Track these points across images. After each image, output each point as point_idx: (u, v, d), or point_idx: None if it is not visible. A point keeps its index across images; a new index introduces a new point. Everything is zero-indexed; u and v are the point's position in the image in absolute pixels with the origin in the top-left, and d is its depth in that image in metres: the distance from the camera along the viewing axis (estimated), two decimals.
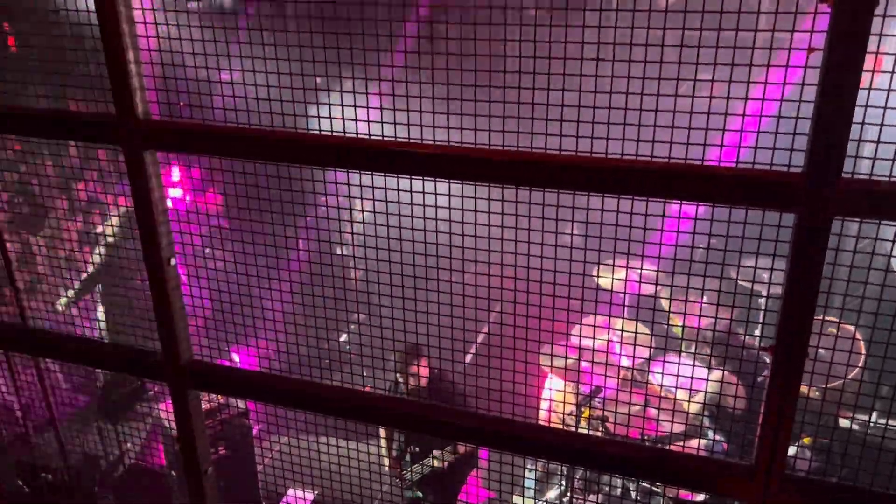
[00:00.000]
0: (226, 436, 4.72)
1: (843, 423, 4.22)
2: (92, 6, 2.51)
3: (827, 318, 2.46)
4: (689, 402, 4.91)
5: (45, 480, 4.23)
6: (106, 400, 4.83)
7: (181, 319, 2.98)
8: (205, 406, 4.47)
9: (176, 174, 7.03)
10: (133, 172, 2.72)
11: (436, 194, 2.55)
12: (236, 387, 3.15)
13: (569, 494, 5.27)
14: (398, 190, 2.61)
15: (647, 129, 2.19)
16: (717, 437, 5.02)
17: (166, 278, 2.87)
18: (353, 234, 3.16)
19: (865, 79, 1.85)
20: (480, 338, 2.73)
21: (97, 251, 5.07)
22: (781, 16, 1.98)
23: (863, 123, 1.96)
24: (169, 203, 2.87)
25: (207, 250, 3.20)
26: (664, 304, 6.12)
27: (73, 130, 2.85)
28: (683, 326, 4.52)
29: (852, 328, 4.76)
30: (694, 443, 4.91)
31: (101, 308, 5.45)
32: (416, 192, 2.59)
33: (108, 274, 5.02)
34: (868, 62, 1.83)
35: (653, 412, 5.16)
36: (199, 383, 3.09)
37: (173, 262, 2.88)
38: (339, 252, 2.73)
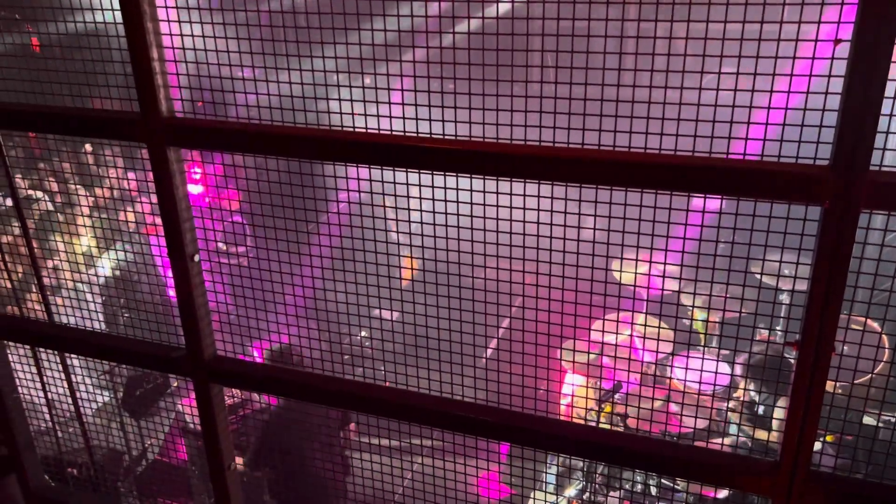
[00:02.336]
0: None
1: (869, 419, 4.18)
2: (116, 5, 2.54)
3: (852, 314, 2.44)
4: (713, 396, 4.87)
5: (70, 475, 4.29)
6: (130, 395, 4.89)
7: (205, 315, 3.01)
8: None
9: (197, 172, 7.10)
10: (157, 169, 2.75)
11: (457, 189, 2.55)
12: (259, 382, 3.17)
13: (589, 491, 5.26)
14: (420, 185, 2.61)
15: (671, 123, 2.17)
16: (741, 435, 4.99)
17: (190, 274, 2.89)
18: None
19: (893, 70, 1.83)
20: (500, 333, 2.73)
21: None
22: (807, 7, 1.96)
23: (891, 115, 1.93)
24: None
25: (225, 246, 3.22)
26: (686, 299, 6.08)
27: (99, 128, 2.88)
28: (707, 321, 4.49)
29: (877, 326, 4.71)
30: (717, 439, 4.88)
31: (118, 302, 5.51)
32: (437, 187, 2.59)
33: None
34: None
35: (674, 408, 5.13)
36: (222, 378, 3.12)
37: (197, 258, 2.91)
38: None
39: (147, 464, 5.30)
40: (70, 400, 4.00)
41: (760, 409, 5.09)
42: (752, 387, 5.12)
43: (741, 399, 5.22)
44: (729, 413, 5.25)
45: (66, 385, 3.96)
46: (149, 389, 4.87)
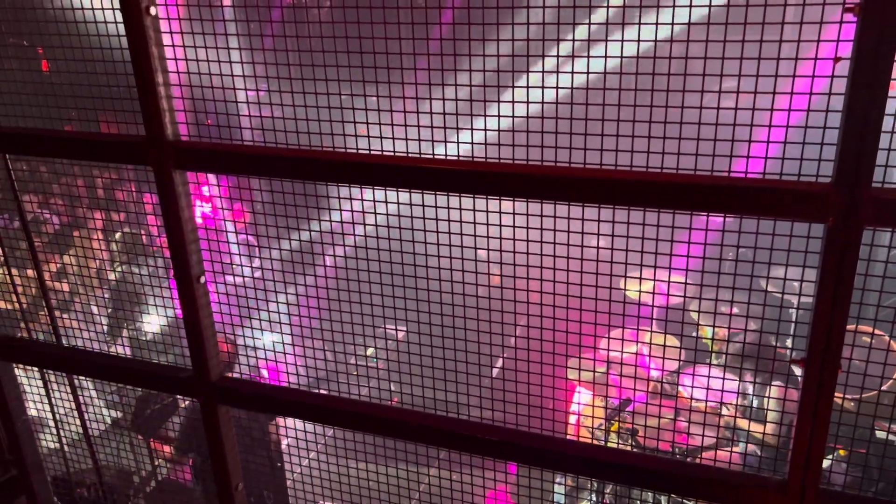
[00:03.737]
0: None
1: (880, 434, 4.14)
2: (122, 30, 2.57)
3: (860, 327, 2.43)
4: (720, 412, 4.85)
5: (79, 496, 4.29)
6: (139, 415, 4.90)
7: (211, 336, 3.02)
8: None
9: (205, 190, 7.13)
10: (163, 192, 2.77)
11: (460, 209, 2.56)
12: (266, 402, 3.17)
13: None
14: (423, 206, 2.63)
15: (673, 141, 2.18)
16: (749, 450, 4.95)
17: (196, 296, 2.91)
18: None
19: (894, 87, 1.83)
20: (507, 351, 2.73)
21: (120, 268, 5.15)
22: (807, 26, 1.97)
23: (892, 132, 1.93)
24: (199, 219, 2.91)
25: (235, 266, 3.24)
26: (693, 314, 6.06)
27: (105, 152, 2.91)
28: (713, 339, 4.47)
29: (887, 337, 4.68)
30: (726, 453, 4.83)
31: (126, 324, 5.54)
32: (441, 207, 2.60)
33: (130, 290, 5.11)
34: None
35: (683, 423, 5.10)
36: (229, 399, 3.12)
37: (203, 279, 2.92)
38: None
39: (156, 483, 5.30)
40: (78, 421, 4.01)
41: (755, 402, 5.07)
42: (753, 385, 5.10)
43: (749, 406, 5.19)
44: (737, 422, 5.22)
45: (73, 404, 3.98)
46: (157, 409, 4.88)
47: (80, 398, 4.00)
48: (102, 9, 2.72)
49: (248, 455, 4.52)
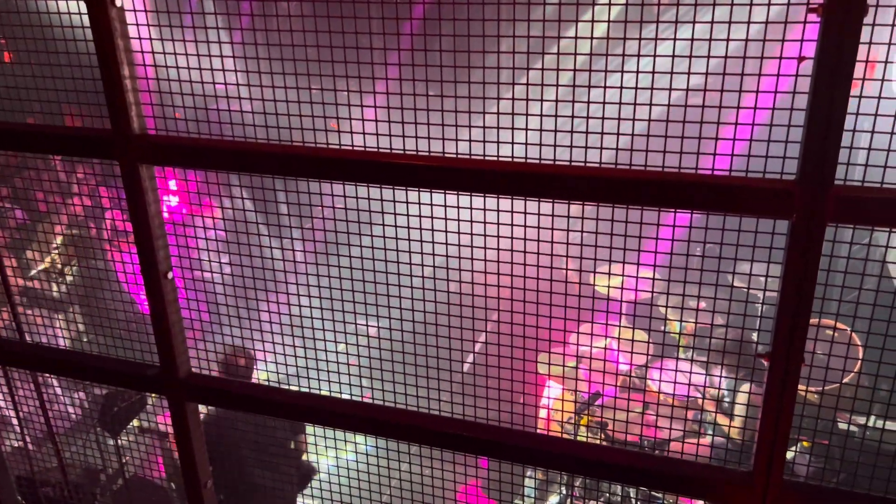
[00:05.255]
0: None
1: (842, 425, 4.23)
2: (87, 22, 2.53)
3: (824, 320, 2.47)
4: (686, 407, 4.91)
5: (44, 495, 4.22)
6: (106, 412, 4.82)
7: (179, 333, 2.98)
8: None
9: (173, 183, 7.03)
10: (129, 187, 2.73)
11: (431, 204, 2.56)
12: (236, 399, 3.15)
13: (569, 501, 5.27)
14: (394, 201, 2.62)
15: (642, 139, 2.20)
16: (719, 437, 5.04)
17: (163, 292, 2.87)
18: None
19: (857, 86, 1.86)
20: (478, 346, 2.74)
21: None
22: (772, 25, 2.00)
23: (854, 131, 1.97)
24: (165, 213, 2.88)
25: (205, 262, 3.20)
26: (661, 307, 6.13)
27: (70, 146, 2.86)
28: (680, 334, 4.53)
29: (849, 331, 4.77)
30: (695, 442, 4.91)
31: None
32: (412, 203, 2.60)
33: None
34: (858, 70, 1.84)
35: (653, 415, 5.16)
36: (198, 396, 3.09)
37: (170, 275, 2.89)
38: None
39: (124, 481, 5.23)
40: (43, 419, 3.95)
41: (726, 396, 5.15)
42: (724, 378, 5.18)
43: (717, 397, 5.27)
44: (704, 413, 5.30)
45: (38, 403, 3.91)
46: (125, 407, 4.81)
47: (45, 395, 3.94)
48: (66, 0, 2.67)
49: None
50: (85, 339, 5.08)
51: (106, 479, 4.98)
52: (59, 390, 4.88)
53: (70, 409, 4.77)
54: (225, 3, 2.77)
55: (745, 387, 4.97)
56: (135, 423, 4.71)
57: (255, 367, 4.33)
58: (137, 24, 2.57)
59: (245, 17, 2.71)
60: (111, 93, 2.61)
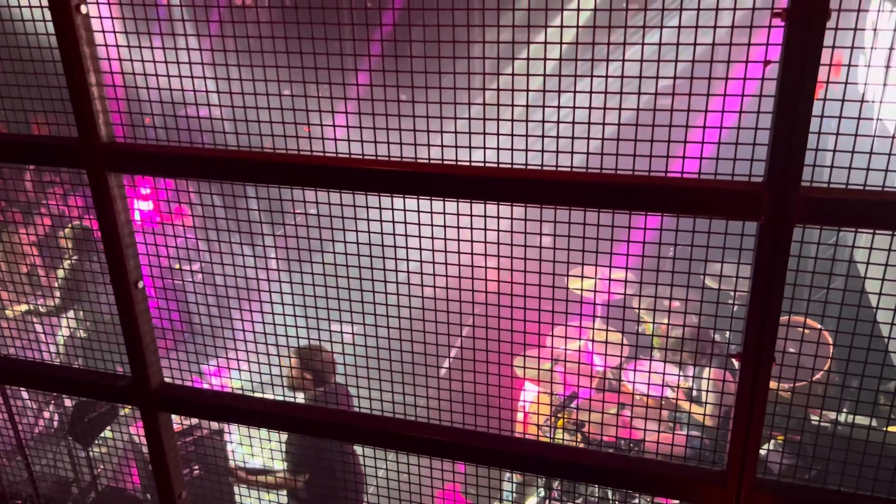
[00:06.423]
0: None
1: (814, 420, 4.29)
2: (52, 29, 2.49)
3: (795, 317, 2.51)
4: (661, 405, 4.96)
5: None
6: (76, 423, 4.75)
7: (150, 343, 2.94)
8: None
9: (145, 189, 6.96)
10: (97, 195, 2.69)
11: (404, 210, 2.55)
12: (209, 409, 3.12)
13: (547, 501, 5.29)
14: (367, 207, 2.61)
15: (611, 142, 2.22)
16: (694, 433, 5.09)
17: (134, 301, 2.83)
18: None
19: (822, 89, 1.89)
20: (454, 350, 2.74)
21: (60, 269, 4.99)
22: (738, 29, 2.02)
23: (819, 133, 2.00)
24: (137, 216, 2.84)
25: (177, 268, 3.17)
26: (636, 307, 6.18)
27: (36, 155, 2.81)
28: (653, 335, 4.57)
29: (819, 326, 4.85)
30: (670, 438, 4.95)
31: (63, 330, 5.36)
32: (385, 208, 2.59)
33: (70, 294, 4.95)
34: (823, 73, 1.87)
35: (628, 415, 5.20)
36: (169, 406, 3.05)
37: (141, 284, 2.85)
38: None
39: (97, 493, 5.16)
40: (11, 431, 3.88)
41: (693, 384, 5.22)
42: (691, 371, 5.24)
43: (689, 398, 5.33)
44: (677, 411, 5.36)
45: (5, 416, 3.84)
46: (95, 416, 4.74)
47: (14, 407, 3.87)
48: (31, 7, 2.62)
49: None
50: (57, 351, 5.00)
51: (78, 491, 4.91)
52: (29, 402, 4.81)
53: (40, 422, 4.70)
54: (193, 9, 2.73)
55: (706, 372, 5.04)
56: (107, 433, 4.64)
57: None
58: (104, 32, 2.53)
59: (214, 24, 2.69)
60: (77, 101, 2.57)
